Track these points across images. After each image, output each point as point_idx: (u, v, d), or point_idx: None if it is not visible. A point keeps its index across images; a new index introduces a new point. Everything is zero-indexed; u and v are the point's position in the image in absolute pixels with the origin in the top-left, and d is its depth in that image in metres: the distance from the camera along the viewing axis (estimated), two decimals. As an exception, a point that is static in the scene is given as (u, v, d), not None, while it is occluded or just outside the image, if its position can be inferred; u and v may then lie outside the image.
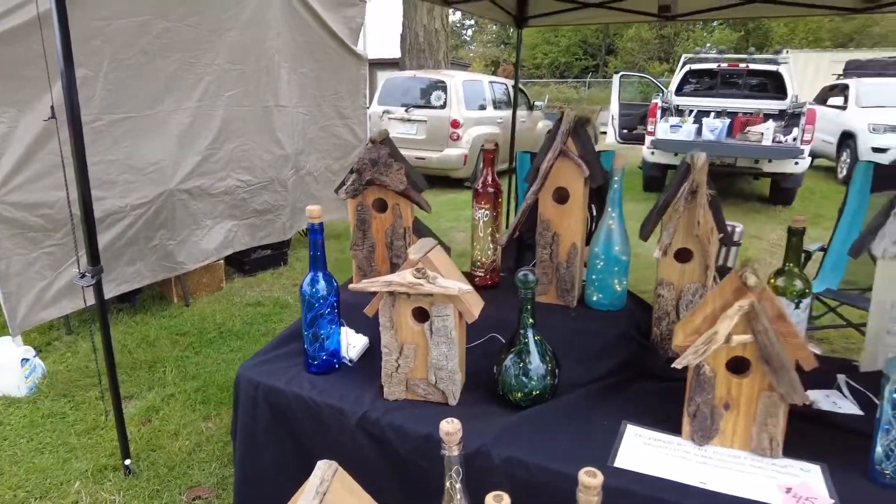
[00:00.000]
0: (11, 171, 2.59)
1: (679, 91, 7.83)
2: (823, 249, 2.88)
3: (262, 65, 3.75)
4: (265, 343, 1.68)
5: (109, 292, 2.99)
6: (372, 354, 1.52)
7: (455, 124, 7.50)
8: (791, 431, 1.13)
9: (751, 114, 6.95)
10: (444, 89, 7.67)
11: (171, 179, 3.26)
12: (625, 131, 8.88)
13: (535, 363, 1.28)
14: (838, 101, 9.43)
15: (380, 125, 7.82)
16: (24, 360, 2.64)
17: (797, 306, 1.41)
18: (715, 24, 25.18)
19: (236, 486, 1.53)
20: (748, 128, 6.68)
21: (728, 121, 6.87)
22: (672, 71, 12.70)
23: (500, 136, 8.19)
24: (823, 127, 8.68)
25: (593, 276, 1.64)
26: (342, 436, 1.32)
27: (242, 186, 3.76)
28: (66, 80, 1.76)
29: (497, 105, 8.54)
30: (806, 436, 1.17)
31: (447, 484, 0.83)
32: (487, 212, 1.74)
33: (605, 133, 10.06)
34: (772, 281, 1.43)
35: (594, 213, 2.11)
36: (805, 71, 13.67)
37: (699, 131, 6.89)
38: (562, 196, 1.59)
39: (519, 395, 1.29)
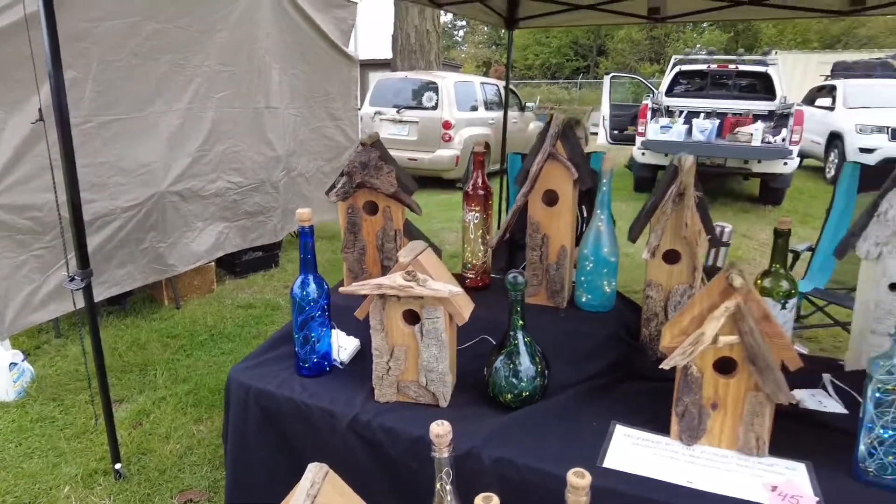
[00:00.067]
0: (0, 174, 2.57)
1: (669, 92, 7.88)
2: (811, 249, 2.91)
3: (253, 66, 3.75)
4: (257, 345, 1.68)
5: (99, 295, 2.97)
6: (363, 357, 1.52)
7: (447, 125, 7.51)
8: (777, 430, 1.14)
9: (740, 114, 7.01)
10: (436, 90, 7.68)
11: (161, 181, 3.25)
12: (615, 132, 8.93)
13: (525, 364, 1.29)
14: (826, 101, 9.53)
15: (371, 126, 7.82)
16: (13, 365, 2.62)
17: (783, 307, 1.43)
18: (705, 25, 25.35)
19: (227, 489, 1.52)
20: (737, 128, 6.74)
21: (718, 121, 6.93)
22: (662, 72, 12.78)
23: (492, 137, 8.22)
24: (812, 128, 8.77)
25: (583, 278, 1.65)
26: (333, 438, 1.33)
27: (233, 188, 3.75)
28: (54, 82, 1.75)
29: (488, 106, 8.56)
30: (792, 435, 1.19)
31: (438, 485, 0.84)
32: (478, 214, 1.75)
33: (595, 134, 10.11)
34: (758, 282, 1.44)
35: (584, 215, 2.12)
36: (793, 72, 13.79)
37: (689, 132, 6.94)
38: (551, 198, 1.60)
39: (509, 396, 1.30)
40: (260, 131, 3.90)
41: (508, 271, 1.26)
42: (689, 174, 1.40)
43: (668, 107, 7.38)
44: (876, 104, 8.61)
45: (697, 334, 1.11)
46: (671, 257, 1.48)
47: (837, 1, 3.31)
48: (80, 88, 2.77)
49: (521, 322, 1.29)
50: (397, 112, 7.75)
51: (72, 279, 1.91)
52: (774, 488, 1.05)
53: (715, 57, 8.25)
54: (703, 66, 8.00)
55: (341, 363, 1.51)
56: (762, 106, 7.06)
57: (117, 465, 2.09)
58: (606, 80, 9.20)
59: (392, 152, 1.68)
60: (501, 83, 8.81)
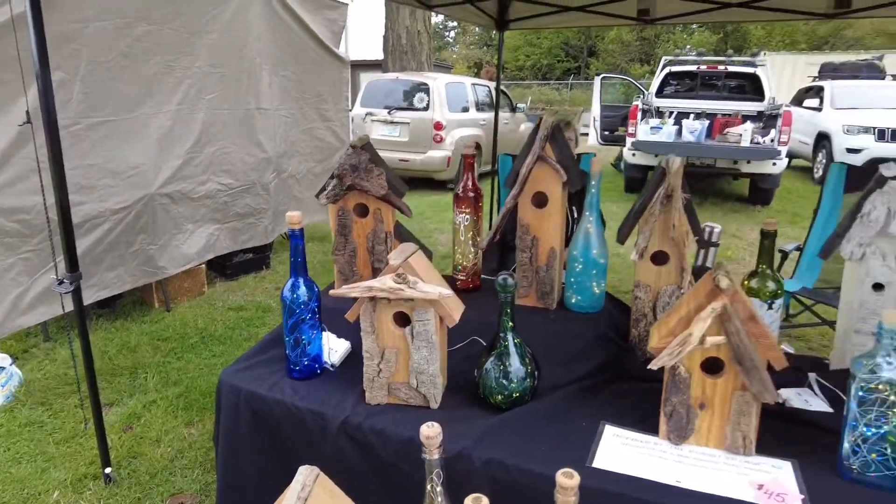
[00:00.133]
0: (-14, 177, 2.55)
1: (659, 93, 7.93)
2: (800, 249, 2.94)
3: (244, 67, 3.74)
4: (248, 347, 1.68)
5: (89, 298, 2.95)
6: (354, 359, 1.52)
7: (438, 126, 7.52)
8: (764, 429, 1.16)
9: (729, 115, 7.06)
10: (427, 91, 7.68)
11: (151, 183, 3.23)
12: (606, 133, 8.97)
13: (515, 366, 1.30)
14: (814, 102, 9.63)
15: (362, 127, 7.81)
16: (1, 369, 2.60)
17: (770, 307, 1.44)
18: (694, 26, 25.54)
19: (219, 493, 1.52)
20: (727, 129, 6.79)
21: (707, 122, 6.98)
22: (652, 73, 12.85)
23: (483, 138, 8.23)
24: (800, 128, 8.85)
25: (572, 279, 1.66)
26: (324, 441, 1.33)
27: (224, 190, 3.74)
28: (41, 84, 1.74)
29: (480, 107, 8.58)
30: (778, 433, 1.20)
31: (428, 487, 0.85)
32: (468, 216, 1.76)
33: (586, 135, 10.15)
34: (745, 282, 1.46)
35: (575, 216, 2.14)
36: (782, 73, 13.91)
37: (679, 133, 6.98)
38: (540, 201, 1.61)
39: (499, 397, 1.31)
40: (250, 133, 3.89)
41: (498, 273, 1.27)
42: (676, 176, 1.41)
43: (658, 108, 7.43)
44: (862, 105, 8.71)
45: (685, 335, 1.12)
46: (659, 258, 1.49)
47: (824, 3, 3.36)
48: (68, 90, 2.75)
49: (511, 323, 1.29)
50: (388, 113, 7.75)
51: (60, 282, 1.89)
52: (761, 486, 1.07)
53: (704, 58, 8.32)
54: (693, 68, 8.06)
55: (332, 366, 1.52)
56: (751, 107, 7.12)
57: (107, 470, 2.08)
58: (597, 81, 9.24)
59: (383, 153, 1.68)
60: (492, 84, 8.83)
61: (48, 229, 2.63)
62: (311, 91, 4.41)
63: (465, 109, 8.24)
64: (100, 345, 3.09)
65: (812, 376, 1.42)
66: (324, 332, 1.52)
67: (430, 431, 0.82)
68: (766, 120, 6.91)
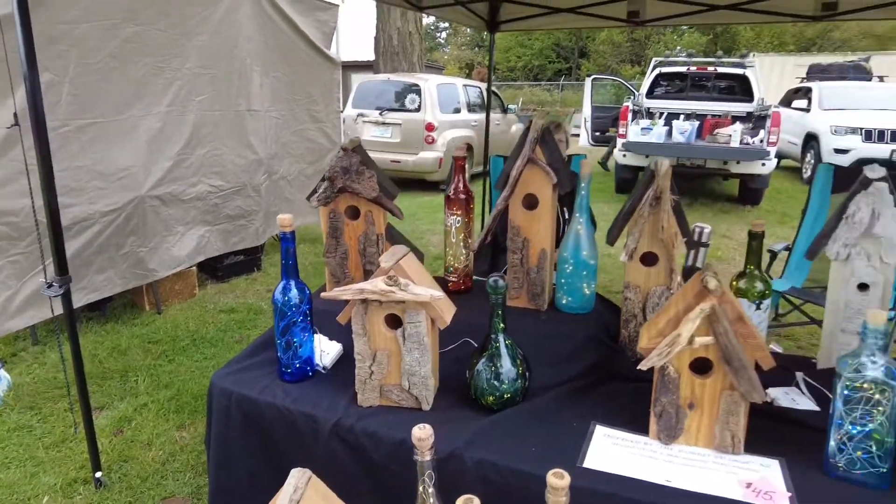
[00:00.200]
0: (-26, 179, 2.53)
1: (650, 94, 7.98)
2: (789, 249, 2.97)
3: (234, 69, 3.72)
4: (239, 350, 1.67)
5: (79, 301, 2.93)
6: (346, 361, 1.52)
7: (430, 127, 7.52)
8: (752, 428, 1.17)
9: (719, 116, 7.12)
10: (419, 92, 7.68)
11: (141, 185, 3.21)
12: (597, 134, 9.01)
13: (507, 367, 1.30)
14: (802, 103, 9.72)
15: (354, 128, 7.80)
16: (-11, 373, 2.58)
17: (758, 307, 1.46)
18: (684, 28, 25.70)
19: (210, 496, 1.52)
20: (717, 130, 6.85)
21: (697, 123, 7.03)
22: (643, 74, 12.92)
23: (475, 138, 8.25)
24: (788, 129, 8.93)
25: (562, 280, 1.67)
26: (316, 443, 1.33)
27: (214, 192, 3.72)
28: (29, 85, 1.73)
29: (471, 108, 8.59)
30: (766, 432, 1.22)
31: (420, 488, 0.85)
32: (459, 218, 1.77)
33: (577, 136, 10.19)
34: (734, 283, 1.48)
35: (566, 217, 2.15)
36: (771, 74, 14.03)
37: (669, 133, 7.03)
38: (531, 202, 1.62)
39: (491, 398, 1.31)
40: (241, 134, 3.88)
41: (490, 274, 1.27)
42: (665, 178, 1.42)
43: (648, 108, 7.47)
44: (850, 106, 8.80)
45: (674, 336, 1.13)
46: (648, 259, 1.50)
47: (811, 6, 3.39)
48: (56, 91, 2.73)
49: (502, 325, 1.30)
50: (380, 114, 7.74)
51: (50, 285, 1.88)
52: (749, 485, 1.08)
53: (694, 59, 8.38)
54: (683, 69, 8.12)
55: (324, 368, 1.52)
56: (741, 108, 7.18)
57: (98, 474, 2.07)
58: (588, 82, 9.29)
59: (375, 154, 1.69)
60: (484, 85, 8.85)
61: (37, 232, 2.61)
62: (302, 92, 4.40)
63: (457, 110, 8.25)
64: (90, 348, 3.07)
65: (799, 375, 1.44)
66: (315, 335, 1.51)
67: (422, 433, 0.83)
68: (756, 121, 6.97)
